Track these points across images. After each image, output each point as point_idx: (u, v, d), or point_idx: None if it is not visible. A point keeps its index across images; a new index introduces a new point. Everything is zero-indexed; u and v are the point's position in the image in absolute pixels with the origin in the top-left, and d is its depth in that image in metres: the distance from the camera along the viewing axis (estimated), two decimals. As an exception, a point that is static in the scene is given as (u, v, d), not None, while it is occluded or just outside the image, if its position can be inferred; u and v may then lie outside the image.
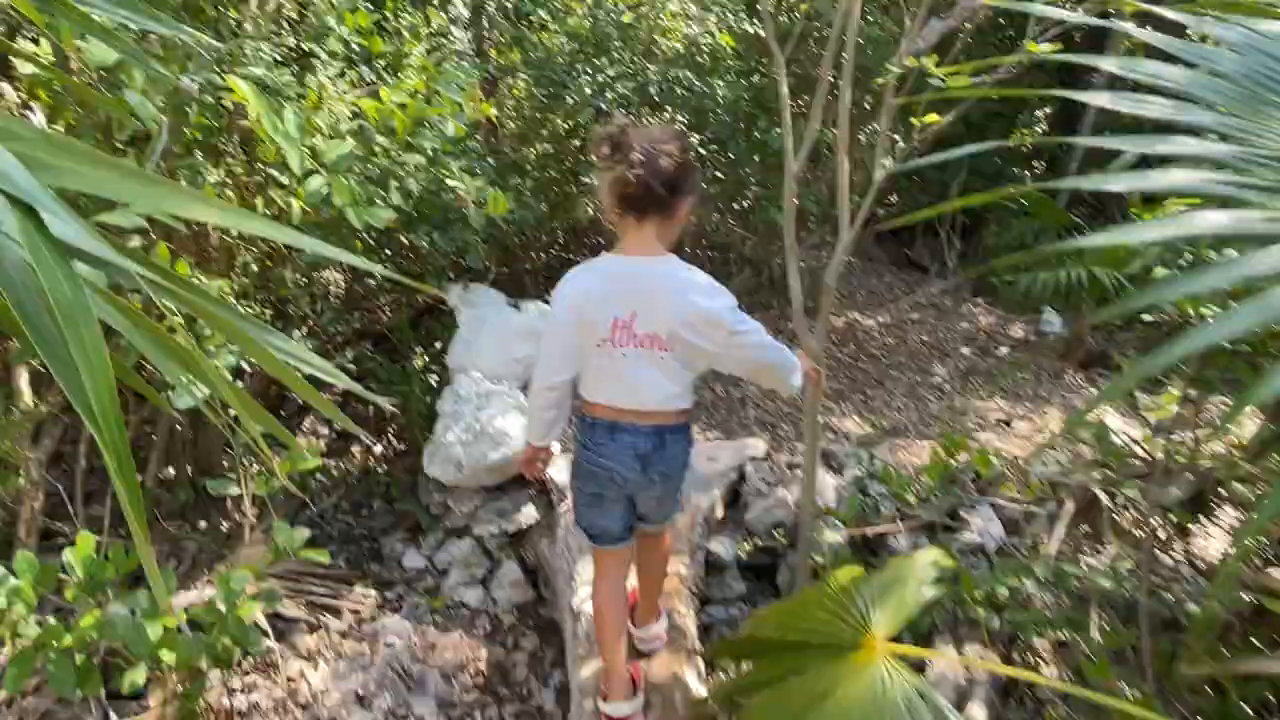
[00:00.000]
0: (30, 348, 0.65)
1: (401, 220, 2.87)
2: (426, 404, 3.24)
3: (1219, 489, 2.17)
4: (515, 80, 4.28)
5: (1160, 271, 2.12)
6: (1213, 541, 2.61)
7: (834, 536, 2.62)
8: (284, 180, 2.52)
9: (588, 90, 3.71)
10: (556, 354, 1.71)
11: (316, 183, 2.44)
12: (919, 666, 2.13)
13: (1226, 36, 1.29)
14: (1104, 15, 1.87)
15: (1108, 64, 1.24)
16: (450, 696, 2.53)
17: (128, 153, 2.40)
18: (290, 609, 2.67)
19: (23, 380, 2.47)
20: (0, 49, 2.24)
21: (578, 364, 1.71)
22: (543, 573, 2.91)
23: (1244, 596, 1.97)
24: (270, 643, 2.46)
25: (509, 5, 4.19)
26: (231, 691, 2.39)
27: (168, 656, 1.91)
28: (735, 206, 4.60)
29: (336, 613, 2.75)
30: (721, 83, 3.90)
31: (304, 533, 2.20)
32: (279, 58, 2.69)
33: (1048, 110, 6.93)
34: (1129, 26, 1.46)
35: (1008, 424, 4.07)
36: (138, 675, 1.92)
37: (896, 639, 1.39)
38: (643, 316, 1.63)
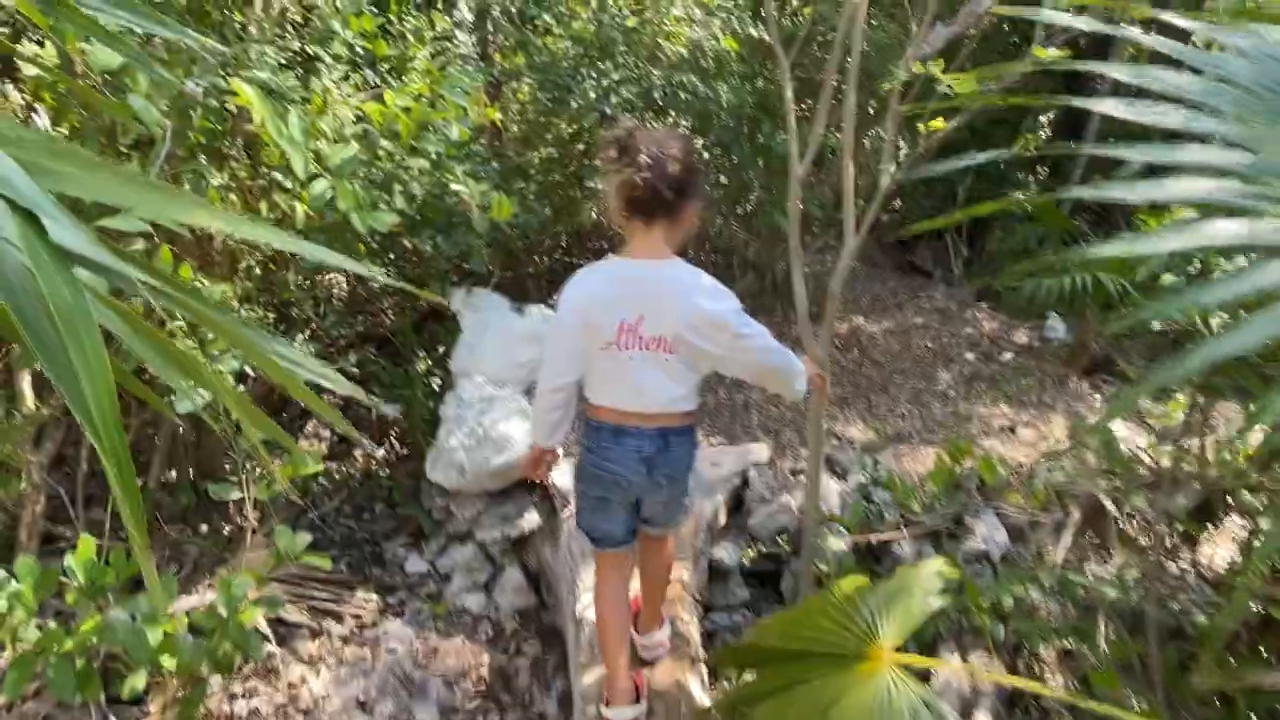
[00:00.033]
0: (31, 354, 0.65)
1: (405, 224, 2.87)
2: (429, 408, 3.23)
3: (1227, 498, 2.16)
4: (519, 84, 4.28)
5: (1168, 278, 2.10)
6: (1219, 550, 2.59)
7: (838, 544, 2.60)
8: (288, 184, 2.52)
9: (592, 94, 3.70)
10: (562, 357, 1.71)
11: (321, 186, 2.44)
12: (924, 676, 2.12)
13: (1239, 44, 1.28)
14: (1110, 21, 1.86)
15: (1119, 71, 1.23)
16: (452, 703, 2.52)
17: (132, 156, 2.40)
18: (292, 614, 2.66)
19: (25, 384, 2.47)
20: (4, 51, 2.24)
21: (583, 367, 1.71)
22: (545, 578, 2.90)
23: (1251, 606, 1.96)
24: (271, 648, 2.45)
25: (513, 9, 4.19)
26: (233, 697, 2.38)
27: (168, 662, 1.90)
28: (738, 210, 4.60)
29: (338, 618, 2.74)
30: (725, 87, 3.89)
31: (305, 538, 2.19)
32: (283, 61, 2.69)
33: (1052, 115, 6.92)
34: (1135, 32, 1.46)
35: (1012, 430, 4.05)
36: (138, 680, 1.92)
37: (901, 648, 1.38)
38: (649, 320, 1.63)
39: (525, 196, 3.63)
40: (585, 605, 2.30)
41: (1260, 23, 1.40)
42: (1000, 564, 2.61)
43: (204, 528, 2.97)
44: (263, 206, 2.60)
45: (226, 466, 3.02)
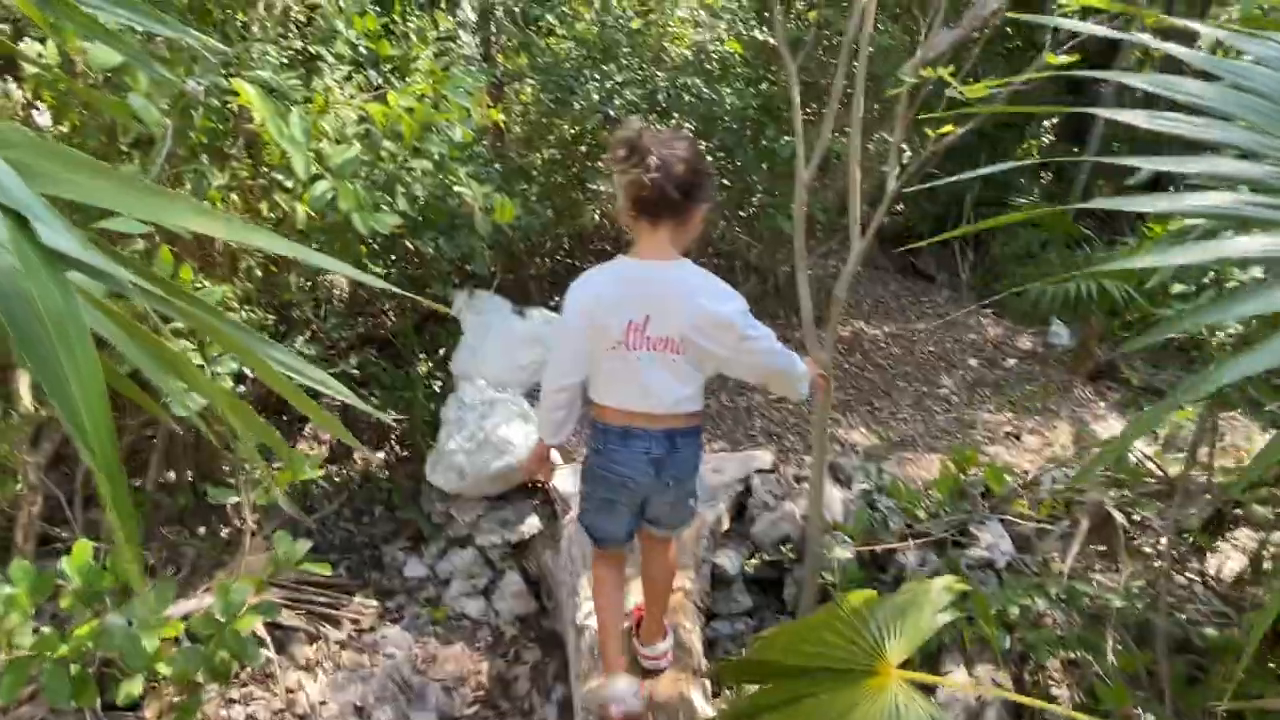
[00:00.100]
0: (21, 360, 0.63)
1: (407, 225, 2.85)
2: (430, 410, 3.21)
3: (1237, 509, 2.13)
4: (522, 85, 4.26)
5: (1178, 286, 2.08)
6: (1228, 561, 2.56)
7: (842, 552, 2.58)
8: (289, 185, 2.50)
9: (595, 96, 3.69)
10: (567, 357, 1.72)
11: (322, 187, 2.42)
12: (928, 688, 2.09)
13: (1258, 52, 1.26)
14: (1118, 26, 1.84)
15: (1139, 81, 1.21)
16: (451, 710, 2.49)
17: (133, 156, 2.38)
18: (289, 618, 2.63)
19: (22, 384, 2.45)
20: (4, 50, 2.22)
21: (588, 367, 1.71)
22: (545, 584, 2.87)
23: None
24: (269, 653, 2.43)
25: (517, 10, 4.18)
26: (230, 702, 2.36)
27: (164, 669, 1.88)
28: (741, 214, 4.58)
29: (336, 623, 2.72)
30: (730, 90, 3.88)
31: (304, 545, 2.17)
32: (285, 61, 2.67)
33: (1055, 120, 6.90)
34: (1145, 37, 1.44)
35: (1017, 437, 4.03)
36: (134, 687, 1.89)
37: (908, 661, 1.36)
38: (656, 320, 1.62)
39: (527, 198, 3.61)
40: (586, 612, 2.27)
41: (1271, 30, 1.38)
42: (1006, 572, 2.58)
43: (202, 529, 2.95)
44: (263, 207, 2.58)
45: (226, 467, 3.00)
